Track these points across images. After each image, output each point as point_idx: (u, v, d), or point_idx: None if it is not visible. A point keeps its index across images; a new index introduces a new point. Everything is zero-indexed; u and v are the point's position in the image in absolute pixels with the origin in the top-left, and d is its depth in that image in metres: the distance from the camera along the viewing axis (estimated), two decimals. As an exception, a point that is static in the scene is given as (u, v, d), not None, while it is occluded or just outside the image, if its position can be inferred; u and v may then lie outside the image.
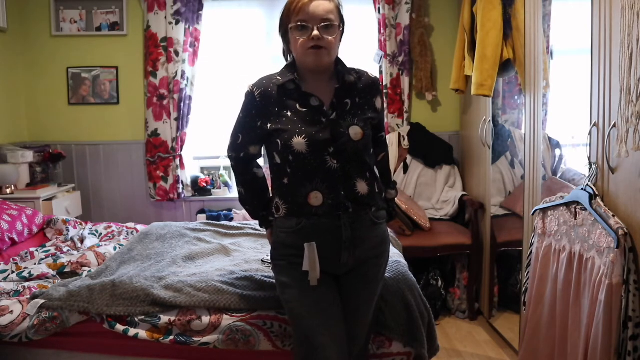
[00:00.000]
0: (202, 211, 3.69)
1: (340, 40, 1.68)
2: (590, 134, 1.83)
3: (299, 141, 1.57)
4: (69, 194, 3.47)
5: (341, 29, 1.65)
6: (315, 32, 1.55)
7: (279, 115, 1.62)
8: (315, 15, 1.55)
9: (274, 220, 1.72)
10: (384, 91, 3.60)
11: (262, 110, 1.64)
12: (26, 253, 2.50)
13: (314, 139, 1.57)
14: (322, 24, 1.55)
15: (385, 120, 3.61)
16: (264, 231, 2.43)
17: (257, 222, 1.84)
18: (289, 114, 1.61)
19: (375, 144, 1.76)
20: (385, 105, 3.64)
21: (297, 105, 1.62)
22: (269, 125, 1.62)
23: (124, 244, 2.69)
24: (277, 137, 1.60)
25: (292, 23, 1.58)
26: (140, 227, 3.06)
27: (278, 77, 1.66)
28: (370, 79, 1.71)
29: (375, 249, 1.69)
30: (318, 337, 1.60)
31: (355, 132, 1.60)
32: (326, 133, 1.59)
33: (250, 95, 1.65)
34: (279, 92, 1.63)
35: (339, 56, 1.69)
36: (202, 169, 3.84)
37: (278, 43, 1.73)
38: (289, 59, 1.72)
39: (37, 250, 2.55)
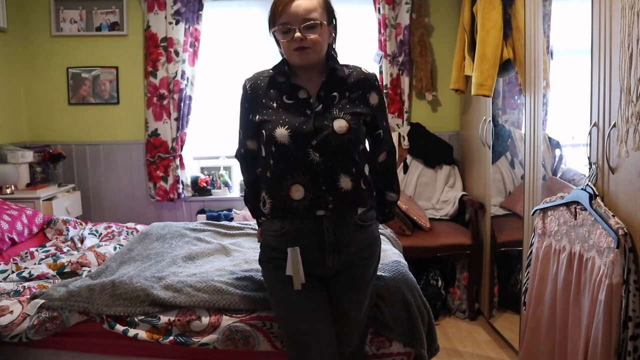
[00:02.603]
0: (202, 211, 3.69)
1: (333, 35, 1.67)
2: (590, 134, 1.83)
3: (281, 132, 1.57)
4: (69, 194, 3.47)
5: (333, 23, 1.65)
6: (297, 34, 1.55)
7: (265, 106, 1.63)
8: (296, 16, 1.55)
9: (262, 221, 1.73)
10: (384, 91, 3.60)
11: (251, 103, 1.66)
12: (26, 253, 2.50)
13: (297, 130, 1.57)
14: (304, 24, 1.55)
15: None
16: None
17: (256, 221, 1.85)
18: (275, 105, 1.63)
19: (373, 142, 1.74)
20: (384, 102, 3.63)
21: (284, 97, 1.63)
22: (257, 117, 1.63)
23: (124, 244, 2.69)
24: (263, 127, 1.61)
25: (275, 26, 1.59)
26: (140, 227, 3.06)
27: (270, 70, 1.68)
28: (363, 74, 1.69)
29: (362, 251, 1.67)
30: (306, 338, 1.60)
31: (339, 125, 1.58)
32: (309, 125, 1.58)
33: (243, 88, 1.70)
34: (268, 84, 1.66)
35: (336, 51, 1.69)
36: (202, 169, 3.84)
37: (277, 43, 1.73)
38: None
39: (37, 250, 2.55)
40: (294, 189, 1.59)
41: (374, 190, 1.72)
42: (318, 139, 1.57)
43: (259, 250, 1.75)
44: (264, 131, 1.60)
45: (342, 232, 1.62)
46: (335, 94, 1.64)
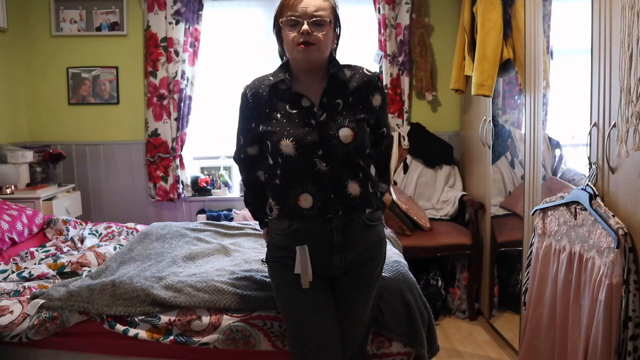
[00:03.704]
0: (202, 211, 3.69)
1: (336, 42, 1.68)
2: (590, 134, 1.83)
3: (287, 144, 1.56)
4: (69, 194, 3.47)
5: (337, 29, 1.65)
6: (305, 27, 1.54)
7: (269, 117, 1.62)
8: (306, 11, 1.55)
9: (268, 221, 1.72)
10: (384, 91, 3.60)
11: (254, 111, 1.65)
12: (26, 253, 2.50)
13: (302, 142, 1.56)
14: (313, 20, 1.55)
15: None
16: (263, 231, 2.44)
17: (257, 222, 1.85)
18: (279, 115, 1.61)
19: (376, 139, 1.73)
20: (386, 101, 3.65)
21: (287, 107, 1.62)
22: (260, 127, 1.62)
23: (124, 244, 2.69)
24: (267, 138, 1.61)
25: (283, 17, 1.59)
26: (140, 227, 3.06)
27: (270, 78, 1.66)
28: (366, 76, 1.67)
29: (369, 251, 1.68)
30: (311, 338, 1.60)
31: (345, 134, 1.58)
32: (314, 135, 1.57)
33: (244, 96, 1.67)
34: (270, 93, 1.63)
35: (336, 57, 1.68)
36: (202, 169, 3.84)
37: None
38: (284, 59, 1.71)
39: (37, 250, 2.55)
40: (302, 198, 1.59)
41: (377, 191, 1.73)
42: (324, 149, 1.57)
43: (260, 250, 1.75)
44: (268, 142, 1.60)
45: (350, 231, 1.62)
46: (338, 101, 1.63)
